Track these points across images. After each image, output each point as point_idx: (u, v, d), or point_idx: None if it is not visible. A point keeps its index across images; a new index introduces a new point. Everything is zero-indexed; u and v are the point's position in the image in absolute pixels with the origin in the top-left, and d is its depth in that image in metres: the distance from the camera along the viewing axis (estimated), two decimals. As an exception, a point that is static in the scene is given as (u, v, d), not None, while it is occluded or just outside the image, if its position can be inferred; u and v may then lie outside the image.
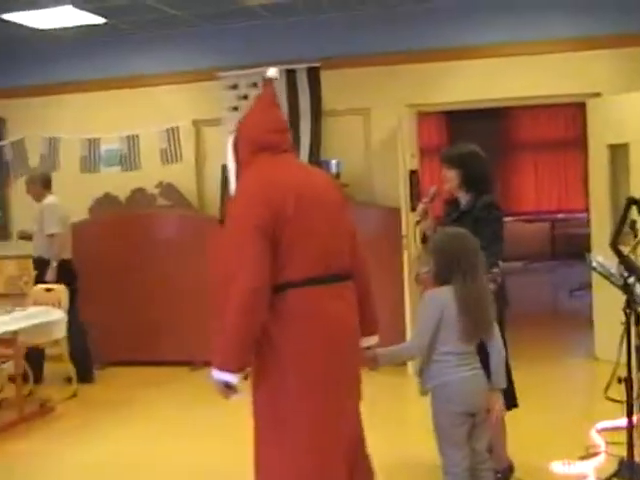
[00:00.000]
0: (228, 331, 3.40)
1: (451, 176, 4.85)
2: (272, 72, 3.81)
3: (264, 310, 3.38)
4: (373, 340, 3.84)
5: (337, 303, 3.54)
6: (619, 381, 4.08)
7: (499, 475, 4.77)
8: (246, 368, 3.44)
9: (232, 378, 3.43)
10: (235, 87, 8.63)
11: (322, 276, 3.49)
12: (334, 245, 3.57)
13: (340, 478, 3.54)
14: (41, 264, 8.16)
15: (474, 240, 3.91)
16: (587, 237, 8.23)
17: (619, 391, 4.29)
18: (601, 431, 5.74)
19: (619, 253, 3.88)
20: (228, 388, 3.47)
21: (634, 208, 3.97)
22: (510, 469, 4.89)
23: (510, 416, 4.85)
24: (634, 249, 4.08)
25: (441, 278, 3.91)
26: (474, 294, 3.81)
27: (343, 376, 3.57)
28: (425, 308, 3.92)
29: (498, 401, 3.94)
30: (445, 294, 3.86)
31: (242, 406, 7.05)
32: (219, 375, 3.45)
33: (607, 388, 4.10)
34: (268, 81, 3.83)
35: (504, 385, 3.95)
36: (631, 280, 3.66)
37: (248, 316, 3.36)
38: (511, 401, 4.70)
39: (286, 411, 3.49)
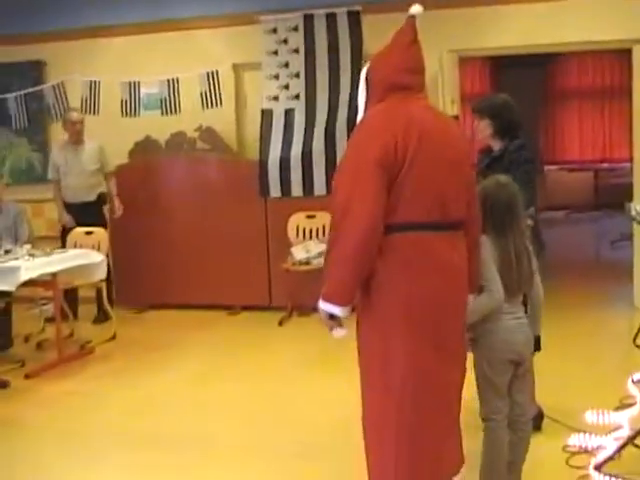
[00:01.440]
0: (341, 264, 3.35)
1: (483, 126, 4.97)
2: (416, 8, 3.58)
3: (376, 248, 3.33)
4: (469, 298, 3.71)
5: (450, 252, 3.45)
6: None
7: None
8: (352, 303, 3.39)
9: (339, 311, 3.38)
10: (275, 31, 8.53)
11: (437, 222, 3.40)
12: (453, 192, 3.45)
13: (443, 429, 3.52)
14: (106, 201, 8.61)
15: (515, 190, 3.84)
16: (630, 187, 8.12)
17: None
18: (637, 382, 5.70)
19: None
20: (333, 320, 3.43)
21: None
22: (540, 416, 4.89)
23: (546, 364, 4.84)
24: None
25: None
26: (514, 247, 3.76)
27: (451, 327, 3.51)
28: (486, 254, 3.76)
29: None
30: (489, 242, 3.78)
31: (278, 350, 7.18)
32: (326, 306, 3.40)
33: (636, 336, 4.05)
34: (410, 18, 3.61)
35: (537, 332, 3.96)
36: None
37: (362, 252, 3.30)
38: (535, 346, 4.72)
39: (391, 356, 3.41)
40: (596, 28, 7.95)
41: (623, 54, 11.22)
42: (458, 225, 3.50)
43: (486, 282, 3.76)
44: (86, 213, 8.33)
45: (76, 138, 8.47)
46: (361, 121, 3.56)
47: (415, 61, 3.58)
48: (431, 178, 3.36)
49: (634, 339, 4.03)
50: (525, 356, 3.88)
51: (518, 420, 3.92)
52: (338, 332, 3.47)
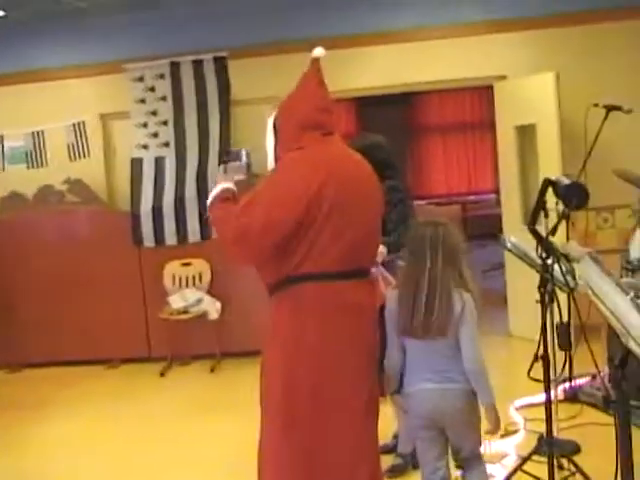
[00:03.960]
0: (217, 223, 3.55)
1: None
2: (318, 51, 3.72)
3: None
4: None
5: (359, 295, 3.48)
6: (535, 358, 4.13)
7: (408, 459, 4.81)
8: None
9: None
10: (141, 79, 8.47)
11: (347, 271, 3.42)
12: (364, 241, 3.51)
13: (348, 460, 3.46)
14: None
15: (447, 230, 3.66)
16: (497, 217, 8.36)
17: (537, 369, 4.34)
18: (519, 408, 5.83)
19: (537, 234, 3.92)
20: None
21: (549, 189, 4.00)
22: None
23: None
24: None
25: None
26: (425, 282, 3.54)
27: (357, 364, 3.48)
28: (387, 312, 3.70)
29: (491, 419, 3.72)
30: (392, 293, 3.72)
31: (161, 401, 7.05)
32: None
33: (530, 369, 4.13)
34: (314, 60, 3.72)
35: (488, 400, 3.70)
36: (549, 261, 3.70)
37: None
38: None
39: (294, 393, 3.41)
40: (457, 67, 8.20)
41: (482, 89, 11.59)
42: (367, 271, 3.56)
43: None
44: None
45: None
46: (283, 163, 3.54)
47: (326, 101, 3.68)
48: (346, 230, 3.39)
49: (528, 372, 4.10)
50: (445, 422, 3.66)
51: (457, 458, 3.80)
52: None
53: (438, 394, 3.59)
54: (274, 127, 3.70)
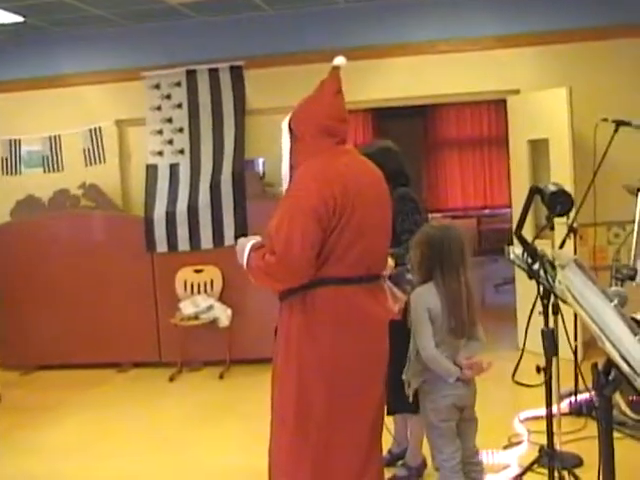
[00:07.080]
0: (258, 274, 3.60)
1: None
2: (339, 60, 3.81)
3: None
4: None
5: (372, 304, 3.60)
6: (537, 370, 4.14)
7: (413, 471, 4.84)
8: None
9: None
10: (157, 87, 8.57)
11: (361, 276, 3.55)
12: (379, 246, 3.67)
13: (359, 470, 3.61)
14: None
15: (462, 235, 3.98)
16: (511, 232, 8.35)
17: (538, 380, 4.36)
18: (524, 420, 5.85)
19: (523, 241, 4.00)
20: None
21: (537, 197, 4.09)
22: (424, 465, 4.95)
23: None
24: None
25: (425, 272, 3.95)
26: (460, 290, 3.88)
27: (370, 375, 3.64)
28: (415, 310, 3.92)
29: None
30: (428, 290, 3.90)
31: (170, 406, 7.09)
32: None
33: (514, 373, 4.27)
34: (335, 69, 3.80)
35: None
36: (535, 266, 3.75)
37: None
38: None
39: (309, 401, 3.51)
40: (471, 80, 8.22)
41: (499, 104, 11.60)
42: (379, 276, 3.69)
43: (421, 340, 3.87)
44: None
45: None
46: (300, 175, 3.64)
47: (342, 110, 3.77)
48: (361, 236, 3.51)
49: (512, 375, 4.18)
50: (467, 401, 3.99)
51: (468, 462, 4.02)
52: None
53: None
54: (290, 129, 3.79)
